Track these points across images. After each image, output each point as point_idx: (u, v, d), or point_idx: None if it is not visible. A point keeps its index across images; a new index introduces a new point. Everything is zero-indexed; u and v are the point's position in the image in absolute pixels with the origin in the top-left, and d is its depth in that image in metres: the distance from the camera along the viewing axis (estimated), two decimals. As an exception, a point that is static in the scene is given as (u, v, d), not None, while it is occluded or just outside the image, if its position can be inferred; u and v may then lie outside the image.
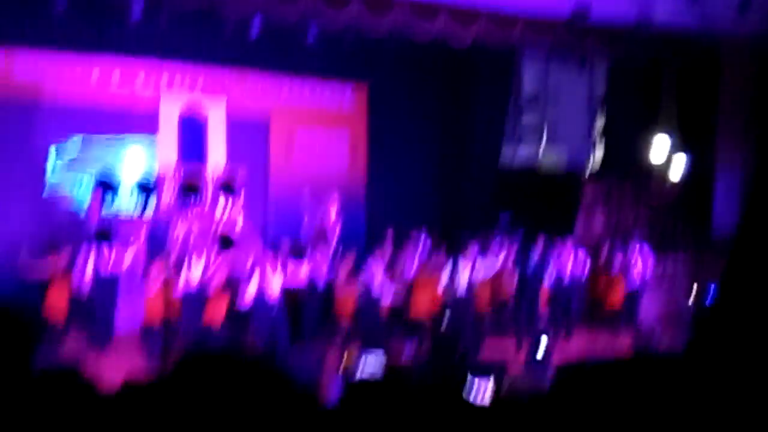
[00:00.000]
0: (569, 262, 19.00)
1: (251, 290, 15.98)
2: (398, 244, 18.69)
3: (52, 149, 19.34)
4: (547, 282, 18.71)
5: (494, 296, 18.58)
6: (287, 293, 16.52)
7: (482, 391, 12.69)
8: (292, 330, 16.56)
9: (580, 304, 19.59)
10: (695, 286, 20.20)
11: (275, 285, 16.03)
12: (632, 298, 19.18)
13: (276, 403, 1.85)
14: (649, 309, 20.04)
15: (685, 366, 1.50)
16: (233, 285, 16.13)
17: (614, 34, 19.81)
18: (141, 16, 18.26)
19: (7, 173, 18.54)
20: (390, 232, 18.93)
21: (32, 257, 16.35)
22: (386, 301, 17.37)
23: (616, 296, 19.11)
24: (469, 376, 12.49)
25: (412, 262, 18.03)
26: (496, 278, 18.61)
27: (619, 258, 19.27)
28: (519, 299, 18.43)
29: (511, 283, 18.52)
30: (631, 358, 1.80)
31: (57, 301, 15.84)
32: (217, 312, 15.78)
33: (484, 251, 18.48)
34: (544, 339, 16.37)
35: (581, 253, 19.80)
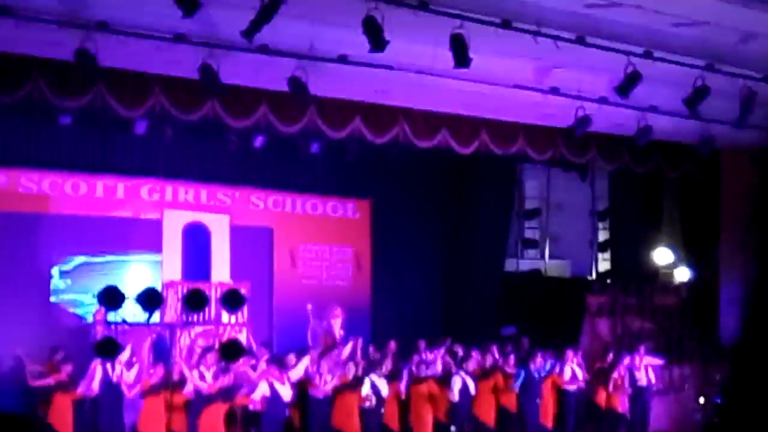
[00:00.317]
0: (574, 370, 18.81)
1: (257, 400, 15.86)
2: (402, 354, 18.53)
3: (56, 268, 19.41)
4: (552, 389, 18.53)
5: (498, 404, 18.32)
6: (291, 404, 16.37)
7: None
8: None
9: (586, 412, 19.36)
10: (704, 392, 20.03)
11: (283, 395, 15.92)
12: (640, 406, 18.97)
13: None
14: (658, 416, 19.84)
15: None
16: (236, 395, 16.00)
17: (615, 145, 19.95)
18: (145, 132, 18.44)
19: (13, 283, 18.58)
20: (393, 344, 18.82)
21: (37, 366, 16.20)
22: (391, 412, 17.15)
23: (623, 404, 18.90)
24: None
25: (416, 372, 17.83)
26: (500, 386, 18.37)
27: (625, 366, 19.09)
28: (523, 407, 18.23)
29: (515, 392, 18.31)
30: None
31: (62, 411, 15.66)
32: (217, 422, 15.59)
33: (487, 360, 18.34)
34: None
35: (586, 361, 19.63)
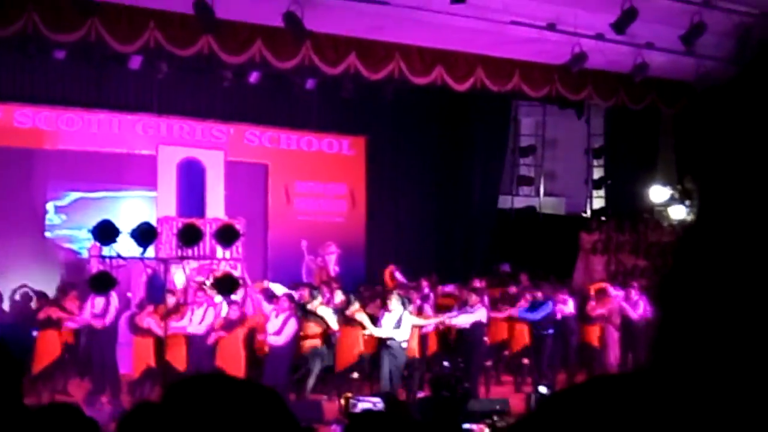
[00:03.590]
0: (567, 306, 18.86)
1: (260, 336, 15.95)
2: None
3: (51, 203, 19.45)
4: (545, 326, 18.61)
5: (493, 339, 18.44)
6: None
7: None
8: (293, 376, 16.41)
9: (578, 348, 19.43)
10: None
11: (273, 330, 16.02)
12: (632, 343, 19.04)
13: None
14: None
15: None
16: (235, 329, 16.07)
17: (611, 82, 19.91)
18: (140, 67, 18.41)
19: (8, 219, 18.62)
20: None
21: (31, 300, 16.24)
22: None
23: (615, 341, 18.98)
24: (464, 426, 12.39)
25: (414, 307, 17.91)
26: (494, 322, 18.46)
27: (618, 303, 19.14)
28: (517, 343, 18.37)
29: (508, 327, 18.43)
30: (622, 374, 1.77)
31: (52, 346, 15.70)
32: (225, 356, 15.63)
33: (482, 296, 18.41)
34: (543, 388, 16.36)
35: (579, 298, 19.69)
